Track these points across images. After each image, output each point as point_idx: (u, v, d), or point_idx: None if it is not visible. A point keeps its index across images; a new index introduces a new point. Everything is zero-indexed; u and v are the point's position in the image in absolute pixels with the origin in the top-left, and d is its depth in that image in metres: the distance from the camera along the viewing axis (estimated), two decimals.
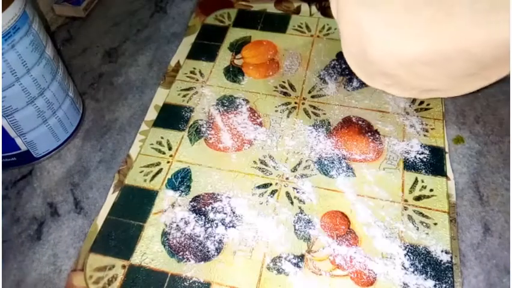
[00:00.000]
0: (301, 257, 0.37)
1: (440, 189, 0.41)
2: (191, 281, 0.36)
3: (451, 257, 0.37)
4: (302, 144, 0.45)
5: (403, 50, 0.34)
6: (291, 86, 0.50)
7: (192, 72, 0.53)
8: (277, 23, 0.58)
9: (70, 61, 0.56)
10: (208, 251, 0.38)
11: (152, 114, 0.48)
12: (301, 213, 0.40)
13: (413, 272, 0.36)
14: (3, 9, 0.36)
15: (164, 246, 0.38)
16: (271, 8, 0.60)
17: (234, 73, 0.52)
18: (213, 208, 0.40)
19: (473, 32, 0.34)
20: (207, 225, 0.39)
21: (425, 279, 0.35)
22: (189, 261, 0.37)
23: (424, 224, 0.38)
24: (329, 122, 0.46)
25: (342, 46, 0.36)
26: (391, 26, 0.35)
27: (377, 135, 0.45)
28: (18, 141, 0.42)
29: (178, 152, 0.45)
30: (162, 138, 0.46)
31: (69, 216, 0.41)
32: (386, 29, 0.34)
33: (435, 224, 0.38)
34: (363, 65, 0.36)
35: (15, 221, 0.41)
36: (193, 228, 0.39)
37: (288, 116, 0.47)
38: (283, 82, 0.51)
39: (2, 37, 0.36)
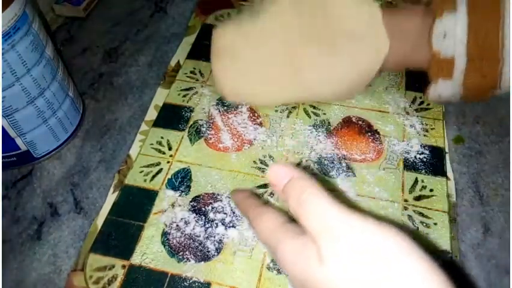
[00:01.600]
0: None
1: (440, 189, 0.41)
2: (191, 281, 0.36)
3: (451, 257, 0.37)
4: (302, 144, 0.45)
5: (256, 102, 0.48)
6: None
7: (192, 72, 0.53)
8: None
9: (70, 61, 0.56)
10: (208, 251, 0.38)
11: (152, 114, 0.48)
12: None
13: None
14: (3, 9, 0.36)
15: (164, 246, 0.38)
16: None
17: None
18: (213, 208, 0.40)
19: (319, 89, 0.45)
20: (207, 225, 0.39)
21: None
22: (189, 261, 0.37)
23: (424, 224, 0.38)
24: (329, 122, 0.46)
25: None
26: (245, 82, 0.46)
27: (377, 135, 0.45)
28: (18, 141, 0.42)
29: (178, 152, 0.45)
30: (162, 138, 0.46)
31: (69, 216, 0.41)
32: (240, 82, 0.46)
33: (435, 224, 0.38)
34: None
35: (15, 221, 0.41)
36: (193, 228, 0.39)
37: (288, 116, 0.47)
38: None
39: (2, 37, 0.36)
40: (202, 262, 0.37)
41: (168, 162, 0.44)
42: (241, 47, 0.44)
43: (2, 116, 0.40)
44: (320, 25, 0.41)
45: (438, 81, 0.40)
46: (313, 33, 0.41)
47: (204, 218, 0.40)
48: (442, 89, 0.40)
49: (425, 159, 0.43)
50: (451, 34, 0.37)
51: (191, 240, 0.38)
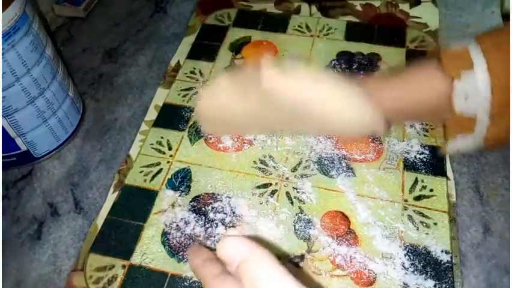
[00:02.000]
0: (301, 257, 0.37)
1: (440, 189, 0.41)
2: (191, 281, 0.36)
3: (451, 257, 0.37)
4: (302, 144, 0.45)
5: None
6: None
7: (192, 72, 0.53)
8: (278, 23, 0.58)
9: (70, 61, 0.56)
10: None
11: (152, 114, 0.48)
12: (301, 213, 0.40)
13: (413, 272, 0.36)
14: (3, 10, 0.36)
15: (164, 246, 0.38)
16: (271, 8, 0.60)
17: None
18: (213, 208, 0.40)
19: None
20: (207, 225, 0.39)
21: (425, 279, 0.35)
22: None
23: (424, 224, 0.38)
24: None
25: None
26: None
27: (377, 135, 0.45)
28: (18, 141, 0.42)
29: (178, 152, 0.45)
30: (162, 138, 0.46)
31: (69, 216, 0.41)
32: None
33: (435, 224, 0.38)
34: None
35: (15, 221, 0.41)
36: (193, 228, 0.39)
37: None
38: None
39: (2, 37, 0.36)
40: None
41: (168, 162, 0.44)
42: (227, 117, 0.39)
43: (2, 116, 0.40)
44: (311, 126, 0.37)
45: (458, 137, 0.38)
46: (304, 128, 0.39)
47: (204, 218, 0.40)
48: (462, 144, 0.38)
49: (425, 159, 0.43)
50: (473, 93, 0.35)
51: (191, 240, 0.38)
